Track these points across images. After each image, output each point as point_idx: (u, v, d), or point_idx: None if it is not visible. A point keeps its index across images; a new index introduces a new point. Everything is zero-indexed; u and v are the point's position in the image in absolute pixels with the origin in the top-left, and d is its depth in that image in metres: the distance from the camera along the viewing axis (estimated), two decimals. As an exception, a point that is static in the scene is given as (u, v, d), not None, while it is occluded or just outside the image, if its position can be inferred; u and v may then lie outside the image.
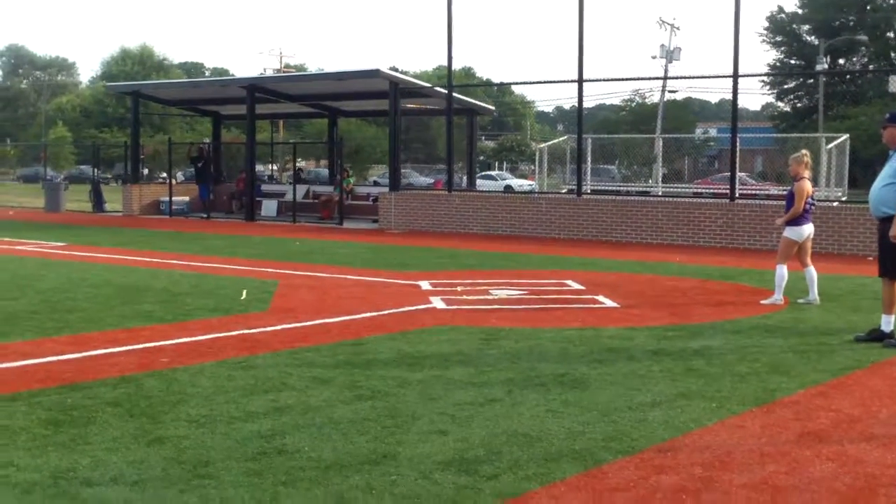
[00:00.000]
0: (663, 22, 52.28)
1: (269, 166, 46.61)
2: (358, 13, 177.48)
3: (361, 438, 5.02)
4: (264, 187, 29.81)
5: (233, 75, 71.84)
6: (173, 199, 27.57)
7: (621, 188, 29.28)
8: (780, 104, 65.72)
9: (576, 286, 11.65)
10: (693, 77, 65.33)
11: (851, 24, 58.34)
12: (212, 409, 5.60)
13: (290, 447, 4.86)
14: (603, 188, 28.57)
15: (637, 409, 5.67)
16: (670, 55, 51.30)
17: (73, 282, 11.57)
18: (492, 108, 34.61)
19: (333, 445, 4.90)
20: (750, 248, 17.06)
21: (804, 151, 10.55)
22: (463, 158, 29.53)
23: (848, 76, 59.57)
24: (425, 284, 11.63)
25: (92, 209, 29.91)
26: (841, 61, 61.05)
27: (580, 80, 19.59)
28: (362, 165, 53.14)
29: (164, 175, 35.28)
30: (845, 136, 23.82)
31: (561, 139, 31.90)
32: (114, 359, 7.06)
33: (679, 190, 28.10)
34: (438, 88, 25.46)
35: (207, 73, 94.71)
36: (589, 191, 24.01)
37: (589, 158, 25.84)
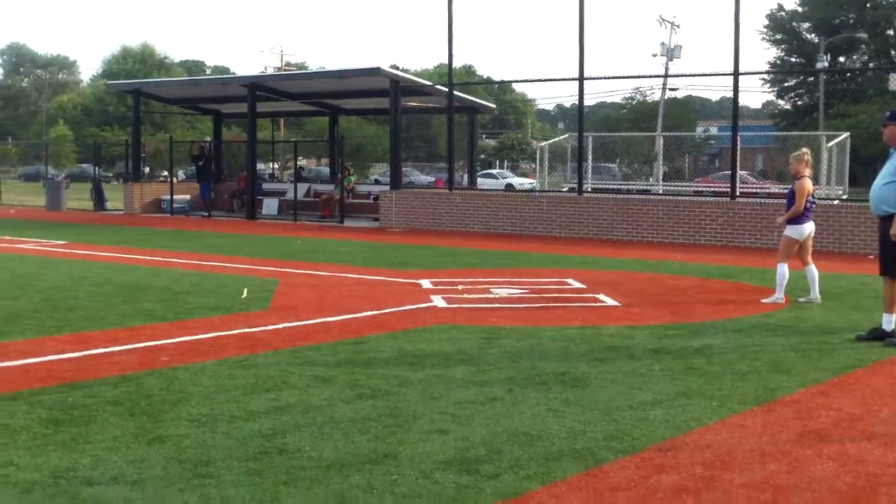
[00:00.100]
0: (664, 20, 52.28)
1: (271, 165, 46.62)
2: (359, 11, 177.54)
3: (362, 438, 5.02)
4: (265, 186, 29.82)
5: (234, 73, 71.84)
6: (174, 197, 27.56)
7: (622, 186, 29.26)
8: (781, 102, 65.66)
9: (577, 285, 11.65)
10: (694, 75, 65.53)
11: (851, 21, 58.28)
12: (212, 408, 5.60)
13: (291, 446, 4.86)
14: (604, 186, 28.56)
15: (638, 408, 5.67)
16: (671, 53, 51.28)
17: (74, 280, 11.58)
18: (493, 106, 34.60)
19: (334, 445, 4.90)
20: (751, 246, 17.05)
21: (805, 150, 10.54)
22: (464, 157, 29.53)
23: (848, 74, 59.51)
24: (426, 283, 11.62)
25: (93, 208, 29.92)
26: (841, 59, 60.99)
27: (581, 78, 19.58)
28: (363, 164, 53.15)
29: (166, 173, 35.29)
30: (846, 135, 23.81)
31: (562, 137, 31.90)
32: (114, 357, 7.06)
33: (680, 188, 28.08)
34: (439, 86, 25.43)
35: (208, 72, 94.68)
36: (590, 189, 24.00)
37: (590, 157, 25.83)
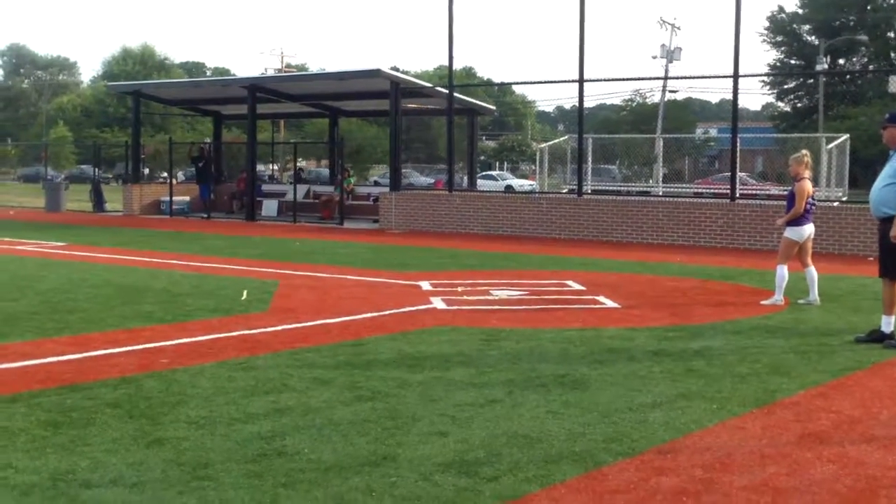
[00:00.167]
0: (664, 22, 52.26)
1: (270, 166, 46.62)
2: (359, 13, 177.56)
3: (361, 440, 5.02)
4: (265, 187, 29.82)
5: (234, 75, 71.85)
6: (174, 198, 27.57)
7: (622, 188, 29.27)
8: (781, 104, 65.73)
9: (576, 287, 11.64)
10: (693, 77, 65.55)
11: (851, 24, 58.31)
12: (212, 410, 5.60)
13: (290, 449, 4.86)
14: (603, 188, 28.56)
15: (637, 410, 5.67)
16: (671, 55, 51.27)
17: (73, 282, 11.57)
18: (492, 107, 34.60)
19: (333, 447, 4.90)
20: (750, 248, 17.05)
21: (804, 151, 10.54)
22: (464, 158, 29.53)
23: (848, 76, 59.56)
24: (426, 285, 11.62)
25: (92, 209, 29.91)
26: (841, 61, 61.02)
27: (581, 80, 19.59)
28: (363, 165, 53.15)
29: (165, 175, 35.26)
30: (845, 137, 23.82)
31: (561, 139, 31.90)
32: (114, 359, 7.06)
33: (679, 190, 28.07)
34: (439, 88, 25.47)
35: (208, 73, 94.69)
36: (589, 191, 24.00)
37: (589, 158, 25.83)
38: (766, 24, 62.26)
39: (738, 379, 6.55)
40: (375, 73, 23.41)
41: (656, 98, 52.36)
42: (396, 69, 33.29)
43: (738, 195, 18.56)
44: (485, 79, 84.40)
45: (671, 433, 5.21)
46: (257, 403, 5.76)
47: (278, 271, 13.06)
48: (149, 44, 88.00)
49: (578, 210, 19.45)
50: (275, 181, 38.12)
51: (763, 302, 10.20)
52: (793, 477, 4.53)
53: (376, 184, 40.01)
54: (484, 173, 47.64)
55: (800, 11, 61.61)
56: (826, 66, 54.35)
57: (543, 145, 29.96)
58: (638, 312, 9.64)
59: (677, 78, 48.41)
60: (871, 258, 12.83)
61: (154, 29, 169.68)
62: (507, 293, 10.93)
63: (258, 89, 26.49)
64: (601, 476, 4.50)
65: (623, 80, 53.01)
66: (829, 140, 23.08)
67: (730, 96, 18.57)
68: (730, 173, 18.74)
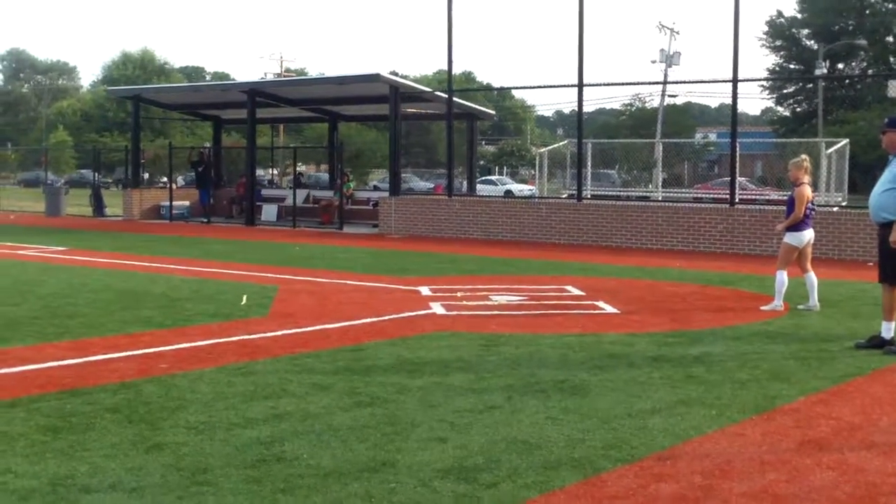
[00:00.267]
0: (663, 26, 52.32)
1: (270, 171, 46.62)
2: (358, 17, 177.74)
3: (360, 446, 5.02)
4: (264, 192, 29.81)
5: (233, 79, 71.90)
6: (174, 203, 27.57)
7: (621, 193, 29.30)
8: (780, 109, 65.79)
9: (576, 292, 11.64)
10: (693, 82, 65.50)
11: (851, 28, 58.36)
12: (211, 415, 5.60)
13: (289, 454, 4.86)
14: (603, 193, 28.58)
15: (637, 417, 5.66)
16: (670, 60, 51.32)
17: (73, 287, 11.57)
18: (492, 112, 34.64)
19: (332, 453, 4.89)
20: (750, 253, 17.05)
21: (804, 156, 10.55)
22: (463, 163, 29.54)
23: (847, 80, 59.61)
24: (425, 290, 11.62)
25: (92, 214, 29.92)
26: (840, 66, 61.08)
27: (580, 85, 19.60)
28: (362, 170, 53.17)
29: (165, 179, 35.31)
30: (845, 141, 23.85)
31: (561, 144, 31.91)
32: (113, 364, 7.06)
33: (679, 195, 28.09)
34: (439, 93, 25.46)
35: (208, 78, 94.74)
36: (589, 196, 24.02)
37: (589, 163, 25.87)
38: (766, 28, 62.36)
39: (738, 385, 6.55)
40: (375, 78, 23.43)
41: (655, 103, 52.46)
42: (396, 74, 33.39)
43: (737, 200, 18.57)
44: (484, 83, 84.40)
45: (671, 439, 5.21)
46: (256, 409, 5.76)
47: (278, 276, 13.06)
48: (149, 48, 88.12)
49: (578, 215, 19.46)
50: (274, 186, 38.13)
51: (763, 307, 10.20)
52: (792, 484, 4.53)
53: (376, 188, 40.06)
54: (483, 178, 47.65)
55: (799, 16, 61.69)
56: (825, 71, 54.40)
57: (543, 150, 30.00)
58: (637, 318, 9.64)
59: (677, 82, 48.59)
60: (871, 263, 12.83)
61: (154, 33, 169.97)
62: (507, 298, 10.93)
63: (258, 94, 26.51)
64: (600, 482, 4.50)
65: (622, 84, 52.73)
66: (829, 145, 23.12)
67: (729, 101, 18.59)
68: (729, 178, 18.75)
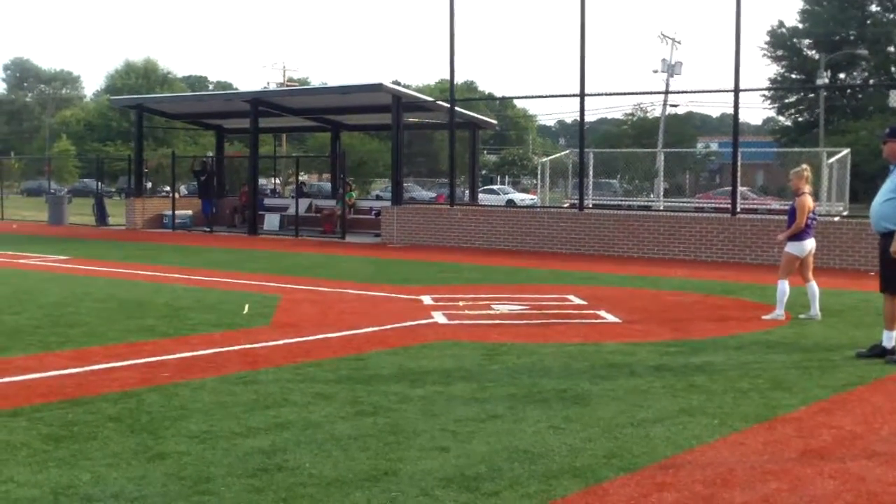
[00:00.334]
0: (665, 36, 52.36)
1: (272, 180, 46.70)
2: (361, 27, 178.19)
3: (362, 455, 5.02)
4: (267, 201, 29.86)
5: (236, 89, 72.09)
6: (176, 212, 27.61)
7: (623, 202, 29.30)
8: (781, 118, 65.80)
9: (577, 301, 11.65)
10: (694, 91, 65.68)
11: (852, 38, 58.43)
12: (213, 424, 5.60)
13: (291, 463, 4.86)
14: (605, 202, 28.59)
15: (639, 426, 5.67)
16: (672, 69, 51.35)
17: (75, 296, 11.59)
18: (494, 122, 34.67)
19: (334, 462, 4.90)
20: (751, 262, 17.05)
21: (804, 166, 10.57)
22: (465, 172, 29.59)
23: (848, 90, 59.66)
24: (427, 299, 11.63)
25: (95, 223, 29.96)
26: (841, 76, 61.11)
27: (582, 95, 19.64)
28: (365, 179, 53.24)
29: (168, 189, 35.36)
30: (846, 151, 23.85)
31: (563, 153, 31.95)
32: (116, 373, 7.07)
33: (680, 204, 28.11)
34: (441, 102, 25.52)
35: (211, 87, 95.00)
36: (591, 205, 24.02)
37: (591, 173, 25.86)
38: (767, 38, 62.42)
39: (740, 394, 6.55)
40: (377, 88, 23.48)
41: (657, 112, 52.45)
42: (398, 83, 33.46)
43: (739, 210, 18.58)
44: (486, 93, 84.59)
45: (672, 448, 5.21)
46: (258, 418, 5.76)
47: (280, 285, 13.08)
48: (152, 58, 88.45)
49: (579, 224, 19.47)
50: (277, 195, 38.18)
51: (764, 317, 10.20)
52: (794, 493, 4.53)
53: (378, 198, 40.07)
54: (485, 187, 47.74)
55: (800, 26, 61.76)
56: (827, 81, 54.46)
57: (545, 159, 30.02)
58: (639, 327, 9.64)
59: (678, 92, 48.43)
60: (873, 273, 12.83)
61: (157, 43, 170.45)
62: (509, 308, 10.94)
63: (261, 103, 26.57)
64: (602, 491, 4.50)
65: (624, 94, 52.71)
66: (830, 154, 23.11)
67: (731, 110, 18.65)
68: (731, 188, 18.76)
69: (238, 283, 13.31)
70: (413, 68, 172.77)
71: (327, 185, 39.97)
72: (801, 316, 10.19)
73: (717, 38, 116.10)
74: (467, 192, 28.15)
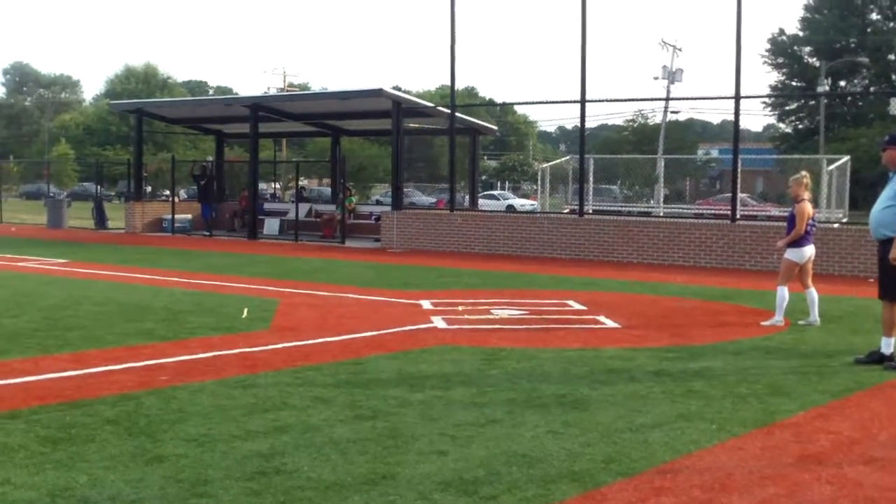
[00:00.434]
0: (666, 43, 52.46)
1: (272, 184, 46.70)
2: (362, 33, 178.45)
3: (361, 458, 5.02)
4: (267, 206, 29.88)
5: (236, 94, 72.17)
6: (176, 216, 27.63)
7: (623, 208, 29.32)
8: (782, 125, 65.84)
9: (577, 306, 11.65)
10: (695, 98, 65.77)
11: (852, 46, 58.55)
12: (211, 427, 5.60)
13: (290, 467, 4.86)
14: (605, 208, 28.62)
15: (637, 431, 5.66)
16: (672, 76, 51.42)
17: (74, 299, 11.59)
18: (494, 127, 34.76)
19: (333, 465, 4.90)
20: (751, 269, 17.06)
21: (803, 173, 10.58)
22: (465, 178, 29.61)
23: (849, 98, 59.75)
24: (427, 304, 11.63)
25: (94, 226, 29.97)
26: (842, 83, 61.21)
27: (583, 101, 19.65)
28: (365, 184, 53.26)
29: (167, 193, 35.34)
30: (846, 158, 23.89)
31: (563, 159, 32.02)
32: (114, 376, 7.06)
33: (681, 210, 28.14)
34: (441, 108, 25.55)
35: (211, 92, 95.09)
36: (591, 211, 24.04)
37: (591, 178, 25.89)
38: (768, 45, 62.54)
39: (738, 400, 6.55)
40: (378, 93, 23.51)
41: (658, 119, 52.49)
42: (398, 89, 33.50)
43: (738, 216, 18.59)
44: (487, 99, 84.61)
45: (671, 453, 5.21)
46: (257, 421, 5.76)
47: (279, 289, 13.08)
48: (152, 62, 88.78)
49: (579, 230, 19.48)
50: (276, 199, 38.19)
51: (763, 323, 10.20)
52: (791, 498, 4.53)
53: (378, 203, 40.08)
54: (486, 193, 47.75)
55: (801, 33, 61.87)
56: (827, 88, 54.54)
57: (545, 165, 30.07)
58: (638, 332, 9.64)
59: (679, 99, 48.72)
60: (872, 280, 12.83)
61: (157, 48, 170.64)
62: (508, 313, 10.94)
63: (261, 108, 26.59)
64: (600, 496, 4.50)
65: (625, 100, 53.20)
66: (830, 161, 23.15)
67: (731, 117, 18.67)
68: (731, 194, 18.77)
69: (237, 287, 13.31)
70: (414, 74, 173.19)
71: (327, 190, 39.98)
72: (800, 322, 10.19)
73: (717, 45, 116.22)
74: (467, 197, 28.15)
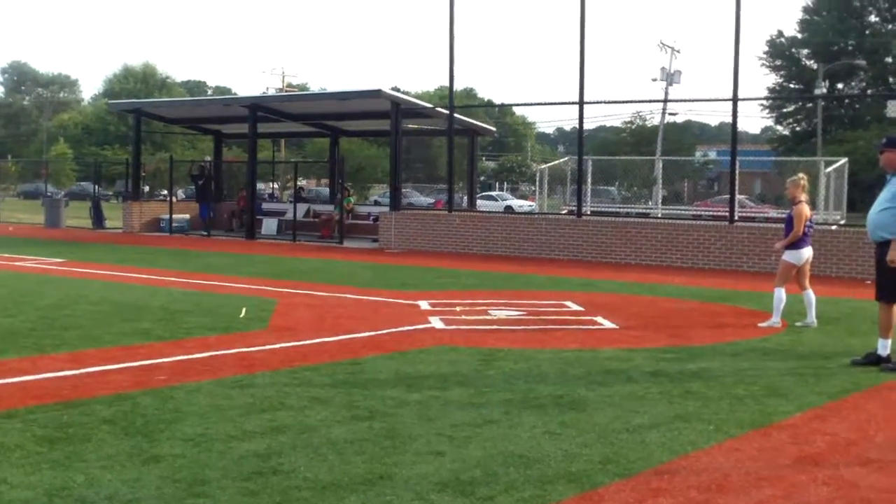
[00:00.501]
0: (664, 45, 52.54)
1: (271, 185, 46.68)
2: (360, 33, 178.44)
3: (358, 459, 5.02)
4: (265, 206, 29.88)
5: (235, 94, 72.16)
6: (174, 216, 27.61)
7: (621, 210, 29.34)
8: (780, 128, 65.96)
9: (575, 307, 11.65)
10: (693, 100, 65.89)
11: (850, 48, 58.61)
12: (208, 427, 5.59)
13: (287, 467, 4.85)
14: (603, 209, 28.63)
15: (634, 431, 5.67)
16: (671, 78, 51.50)
17: (71, 299, 11.57)
18: (493, 128, 34.74)
19: (330, 466, 4.89)
20: (749, 270, 17.07)
21: (801, 175, 10.59)
22: (464, 179, 29.61)
23: (846, 100, 59.80)
24: (424, 304, 11.63)
25: (92, 226, 29.94)
26: (840, 85, 61.28)
27: (581, 102, 19.67)
28: (363, 185, 53.26)
29: (165, 193, 35.33)
30: (844, 160, 23.93)
31: (561, 160, 32.05)
32: (111, 376, 7.06)
33: (678, 212, 28.15)
34: (440, 109, 25.55)
35: (210, 92, 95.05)
36: (589, 212, 24.06)
37: (589, 180, 25.92)
38: (766, 48, 62.62)
39: (735, 401, 6.55)
40: (376, 94, 23.50)
41: (656, 120, 52.55)
42: (397, 89, 33.50)
43: (736, 218, 18.61)
44: (485, 100, 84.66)
45: (668, 454, 5.21)
46: (254, 421, 5.75)
47: (277, 290, 13.07)
48: (150, 62, 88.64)
49: (577, 231, 19.49)
50: (275, 200, 38.18)
51: (761, 324, 10.21)
52: (788, 499, 4.53)
53: (376, 203, 40.11)
54: (484, 194, 47.75)
55: (799, 36, 61.94)
56: (825, 90, 54.59)
57: (543, 166, 30.09)
58: (636, 333, 9.65)
59: (677, 101, 48.69)
60: (869, 281, 12.85)
61: (156, 47, 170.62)
62: (506, 313, 10.94)
63: (259, 108, 26.58)
64: (597, 497, 4.50)
65: (623, 102, 53.19)
66: (828, 163, 23.18)
67: (729, 119, 18.67)
68: (729, 196, 18.79)
69: (235, 287, 13.30)
70: (412, 75, 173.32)
71: (325, 191, 39.97)
72: (798, 324, 10.20)
73: (716, 47, 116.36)
74: (465, 198, 28.16)
